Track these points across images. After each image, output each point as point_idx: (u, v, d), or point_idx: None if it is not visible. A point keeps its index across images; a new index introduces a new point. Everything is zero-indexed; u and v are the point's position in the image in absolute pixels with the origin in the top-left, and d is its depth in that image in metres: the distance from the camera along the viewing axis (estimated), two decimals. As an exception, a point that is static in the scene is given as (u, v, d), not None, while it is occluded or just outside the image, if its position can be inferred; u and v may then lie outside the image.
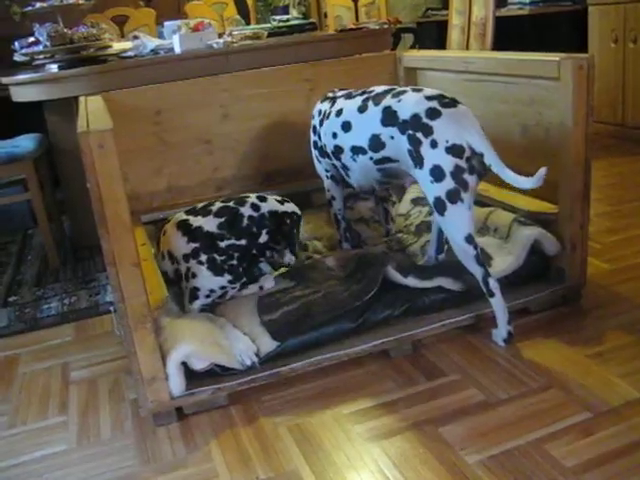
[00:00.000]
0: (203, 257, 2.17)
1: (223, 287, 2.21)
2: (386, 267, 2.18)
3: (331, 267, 2.36)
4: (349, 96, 2.41)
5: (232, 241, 2.17)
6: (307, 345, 2.09)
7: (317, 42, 3.14)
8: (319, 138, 2.53)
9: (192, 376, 1.97)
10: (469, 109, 2.10)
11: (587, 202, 2.25)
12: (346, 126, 2.33)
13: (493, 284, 2.08)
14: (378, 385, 2.03)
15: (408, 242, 2.60)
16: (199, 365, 1.96)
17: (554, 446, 1.68)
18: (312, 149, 2.62)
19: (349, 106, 2.35)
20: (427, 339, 2.21)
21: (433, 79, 2.93)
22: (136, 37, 3.19)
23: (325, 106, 2.52)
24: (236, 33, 3.19)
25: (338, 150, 2.40)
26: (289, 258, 2.29)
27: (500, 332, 2.15)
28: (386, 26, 3.35)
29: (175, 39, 2.94)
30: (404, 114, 2.11)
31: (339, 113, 2.38)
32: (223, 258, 2.18)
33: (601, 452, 1.64)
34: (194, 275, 2.18)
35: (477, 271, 2.09)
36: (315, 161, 2.62)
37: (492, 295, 2.09)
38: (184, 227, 2.21)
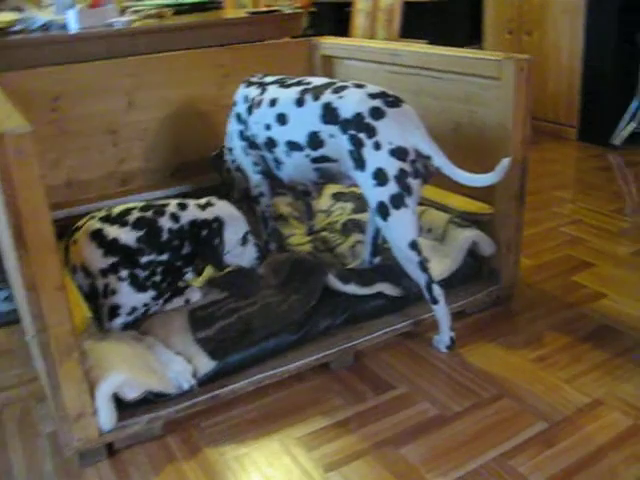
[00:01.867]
0: (123, 272, 1.94)
1: (146, 304, 2.00)
2: (327, 275, 2.05)
3: (262, 274, 2.20)
4: (283, 84, 2.24)
5: (153, 257, 1.97)
6: (246, 362, 1.93)
7: (229, 25, 2.91)
8: (247, 127, 2.34)
9: (122, 406, 1.75)
10: (412, 108, 2.00)
11: (523, 203, 2.24)
12: (281, 119, 2.16)
13: (437, 291, 2.02)
14: (325, 402, 1.91)
15: (335, 242, 2.48)
16: (132, 394, 1.74)
17: (519, 462, 1.64)
18: (235, 140, 2.42)
19: (285, 96, 2.17)
20: (367, 348, 2.12)
21: (353, 69, 2.81)
22: (19, 8, 2.80)
23: (253, 92, 2.33)
24: (137, 9, 2.90)
25: (271, 143, 2.22)
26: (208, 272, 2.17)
27: (442, 338, 2.09)
28: (299, 10, 3.17)
29: (71, 15, 2.61)
30: (346, 112, 1.98)
31: (273, 103, 2.20)
32: (146, 274, 1.97)
33: (564, 466, 1.63)
34: (114, 292, 1.95)
35: (421, 278, 2.01)
36: (241, 155, 2.43)
37: (436, 302, 2.03)
38: (99, 238, 1.96)
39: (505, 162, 1.85)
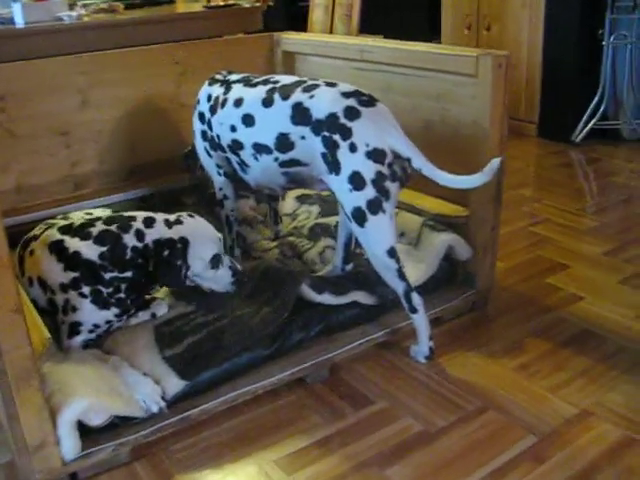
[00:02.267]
0: (85, 289, 1.80)
1: (109, 321, 1.87)
2: (300, 285, 1.95)
3: (230, 284, 2.08)
4: (248, 82, 2.11)
5: (117, 273, 1.83)
6: (217, 379, 1.81)
7: (184, 19, 2.77)
8: (209, 128, 2.21)
9: (86, 431, 1.61)
10: (387, 108, 1.91)
11: (499, 204, 2.18)
12: (248, 120, 2.04)
13: (416, 300, 1.93)
14: (302, 420, 1.81)
15: (303, 247, 2.37)
16: (97, 420, 1.61)
17: (511, 480, 1.58)
18: (197, 139, 2.29)
19: (251, 96, 2.05)
20: (343, 360, 2.02)
21: (316, 66, 2.70)
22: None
23: (216, 91, 2.19)
24: (86, 3, 2.72)
25: (236, 145, 2.10)
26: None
27: (421, 349, 2.01)
28: (258, 4, 3.05)
29: (16, 8, 2.43)
30: (318, 112, 1.87)
31: (238, 103, 2.07)
32: (109, 291, 1.83)
33: (557, 483, 1.57)
34: (74, 308, 1.80)
35: (399, 286, 1.92)
36: (203, 154, 2.30)
37: (415, 311, 1.94)
38: (59, 250, 1.82)
39: (495, 163, 1.77)
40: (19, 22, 2.45)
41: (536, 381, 1.92)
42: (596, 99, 3.88)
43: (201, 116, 2.25)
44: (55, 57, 2.36)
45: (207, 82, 2.27)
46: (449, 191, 2.15)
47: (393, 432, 1.75)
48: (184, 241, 1.87)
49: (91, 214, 2.15)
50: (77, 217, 2.08)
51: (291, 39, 2.79)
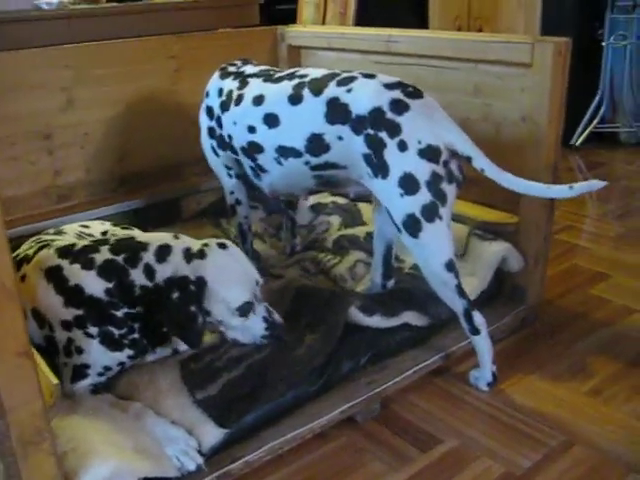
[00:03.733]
0: (93, 329, 1.47)
1: (122, 363, 1.54)
2: (350, 307, 1.66)
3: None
4: (269, 77, 1.83)
5: (127, 309, 1.48)
6: (258, 423, 1.52)
7: (177, 10, 2.47)
8: (219, 125, 1.93)
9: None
10: (435, 101, 1.66)
11: (552, 210, 1.95)
12: (271, 120, 1.75)
13: (478, 319, 1.68)
14: (361, 468, 1.52)
15: (329, 262, 2.09)
16: (122, 486, 1.29)
17: (626, 532, 1.33)
18: (203, 136, 2.01)
19: (274, 93, 1.77)
20: (394, 391, 1.74)
21: (328, 61, 2.42)
22: None
23: (229, 84, 1.90)
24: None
25: (254, 148, 1.82)
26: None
27: (484, 374, 1.76)
28: (254, -4, 2.77)
29: (-13, -9, 2.09)
30: (359, 108, 1.61)
31: (259, 101, 1.79)
32: (122, 332, 1.49)
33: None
34: (80, 350, 1.48)
35: (458, 304, 1.66)
36: (210, 154, 2.01)
37: (477, 332, 1.69)
38: (57, 280, 1.48)
39: (596, 185, 1.57)
40: (-11, 9, 2.12)
41: (616, 407, 1.69)
42: (596, 101, 3.74)
43: (209, 111, 1.96)
44: (35, 48, 2.02)
45: (218, 73, 1.98)
46: (492, 196, 1.94)
47: (473, 476, 1.49)
48: (201, 282, 1.46)
49: (87, 227, 1.83)
50: (72, 230, 1.76)
51: (298, 32, 2.51)
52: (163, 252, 1.49)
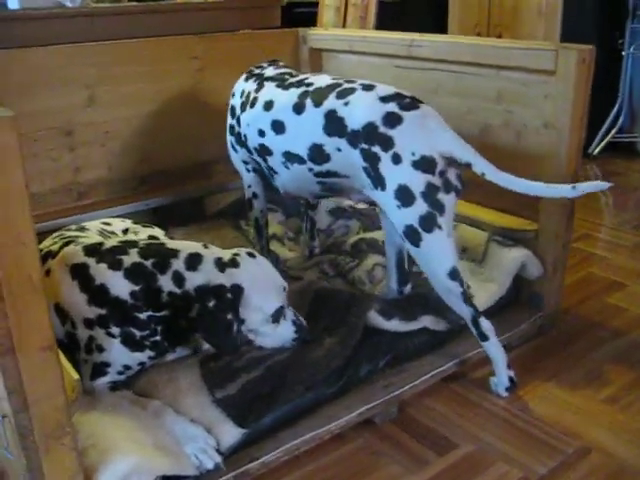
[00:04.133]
0: (115, 329, 1.48)
1: (142, 363, 1.55)
2: (369, 311, 1.66)
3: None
4: (282, 82, 1.85)
5: (151, 312, 1.49)
6: (276, 424, 1.52)
7: (199, 10, 2.49)
8: (238, 124, 1.95)
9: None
10: (433, 109, 1.65)
11: (572, 219, 1.95)
12: (278, 126, 1.78)
13: (486, 325, 1.67)
14: (378, 471, 1.52)
15: (347, 265, 2.09)
16: (141, 483, 1.29)
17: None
18: (227, 133, 2.05)
19: (282, 100, 1.79)
20: (411, 395, 1.74)
21: (350, 64, 2.43)
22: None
23: (249, 86, 1.94)
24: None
25: (264, 150, 1.84)
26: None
27: (501, 380, 1.75)
28: (276, -2, 2.78)
29: (13, -10, 2.11)
30: (354, 123, 1.62)
31: (268, 106, 1.81)
32: (144, 334, 1.50)
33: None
34: (101, 348, 1.49)
35: (465, 311, 1.66)
36: (230, 149, 2.05)
37: (485, 339, 1.69)
38: (82, 277, 1.49)
39: (601, 185, 1.59)
40: (14, 6, 2.12)
41: (633, 415, 1.69)
42: (614, 111, 3.72)
43: (232, 110, 2.00)
44: (60, 45, 2.04)
45: (244, 74, 2.01)
46: (512, 202, 1.93)
47: (489, 482, 1.49)
48: (237, 290, 1.48)
49: (109, 224, 1.84)
50: (94, 227, 1.77)
51: (320, 34, 2.52)
52: (194, 260, 1.50)
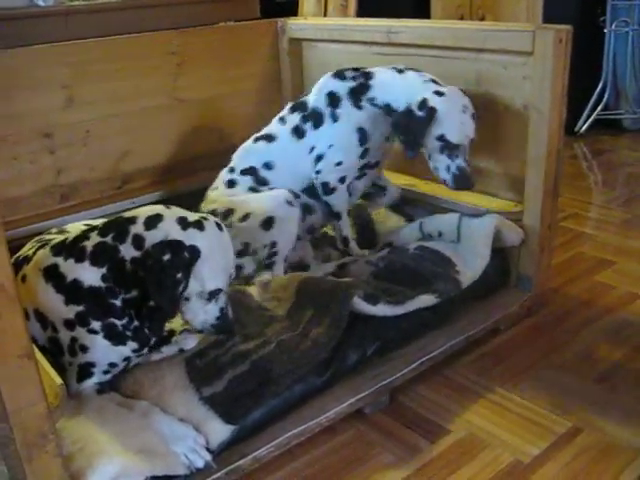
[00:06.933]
0: (95, 324, 1.46)
1: (126, 358, 1.53)
2: (353, 298, 1.66)
3: (262, 304, 1.77)
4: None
5: (124, 295, 1.45)
6: (266, 418, 1.52)
7: (176, 4, 2.46)
8: None
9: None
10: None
11: (556, 199, 1.94)
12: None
13: None
14: (371, 460, 1.52)
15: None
16: (130, 485, 1.29)
17: (636, 519, 1.33)
18: None
19: None
20: (401, 382, 1.74)
21: (330, 53, 2.41)
22: None
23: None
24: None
25: None
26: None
27: None
28: (254, -12, 2.75)
29: (-17, -9, 2.08)
30: None
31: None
32: (124, 322, 1.47)
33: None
34: (84, 348, 1.47)
35: None
36: None
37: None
38: (55, 278, 1.47)
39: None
40: (-14, 7, 2.10)
41: (623, 393, 1.70)
42: (599, 88, 3.71)
43: None
44: (34, 45, 2.01)
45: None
46: (496, 185, 1.94)
47: (482, 465, 1.49)
48: (195, 252, 1.41)
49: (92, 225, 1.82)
50: (75, 229, 1.74)
51: (299, 24, 2.49)
52: (153, 220, 1.44)
